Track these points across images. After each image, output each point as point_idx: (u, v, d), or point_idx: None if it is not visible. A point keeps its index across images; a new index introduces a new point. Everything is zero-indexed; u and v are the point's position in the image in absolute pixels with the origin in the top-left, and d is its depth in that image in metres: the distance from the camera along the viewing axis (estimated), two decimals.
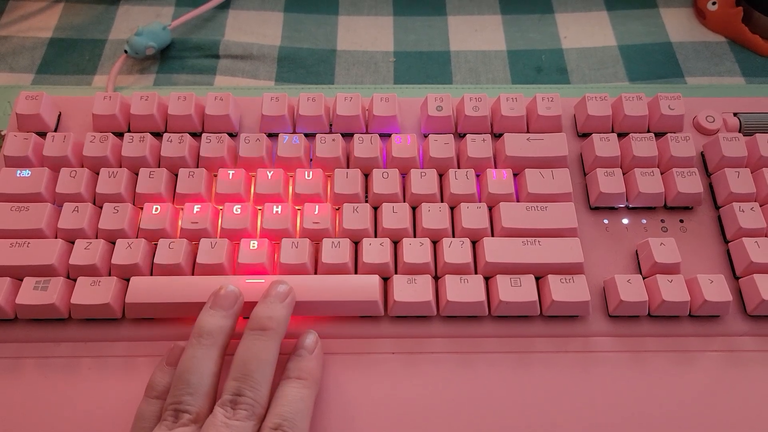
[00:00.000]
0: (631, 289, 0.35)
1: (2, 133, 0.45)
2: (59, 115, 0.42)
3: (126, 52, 0.49)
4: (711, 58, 0.52)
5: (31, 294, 0.34)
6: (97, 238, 0.37)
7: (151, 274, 0.36)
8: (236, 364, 0.31)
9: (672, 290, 0.35)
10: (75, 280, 0.35)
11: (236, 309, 0.33)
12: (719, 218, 0.39)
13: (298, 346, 0.33)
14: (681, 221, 0.39)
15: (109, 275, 0.36)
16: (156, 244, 0.36)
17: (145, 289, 0.35)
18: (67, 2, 0.55)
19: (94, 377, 0.34)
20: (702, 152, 0.41)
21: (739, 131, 0.41)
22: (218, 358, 0.31)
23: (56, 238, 0.36)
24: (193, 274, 0.36)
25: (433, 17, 0.55)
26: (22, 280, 0.35)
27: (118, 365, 0.34)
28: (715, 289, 0.35)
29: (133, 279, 0.35)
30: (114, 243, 0.36)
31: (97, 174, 0.38)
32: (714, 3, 0.53)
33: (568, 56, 0.52)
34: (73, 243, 0.36)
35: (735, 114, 0.42)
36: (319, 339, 0.34)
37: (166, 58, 0.52)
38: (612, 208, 0.39)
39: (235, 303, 0.33)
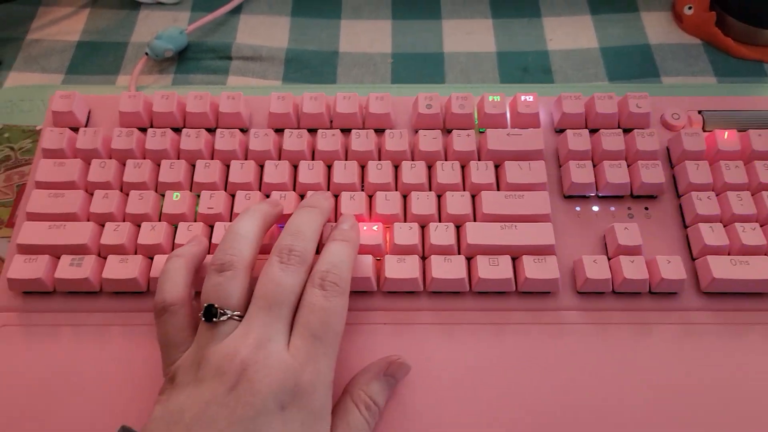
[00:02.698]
0: (596, 268, 0.40)
1: (38, 128, 0.50)
2: (89, 112, 0.46)
3: (147, 54, 0.54)
4: (686, 59, 0.56)
5: (68, 269, 0.39)
6: (124, 221, 0.41)
7: None
8: (289, 227, 0.37)
9: (633, 269, 0.39)
10: (105, 258, 0.40)
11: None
12: (680, 206, 0.43)
13: (338, 223, 0.40)
14: (646, 208, 0.43)
15: (135, 254, 0.40)
16: (176, 227, 0.41)
17: None
18: (93, 8, 0.60)
19: (122, 342, 0.39)
20: (667, 146, 0.45)
21: (702, 127, 0.45)
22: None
23: (88, 221, 0.41)
24: (209, 253, 0.40)
25: (428, 21, 0.60)
26: (59, 258, 0.40)
27: (143, 332, 0.39)
28: (672, 268, 0.39)
29: (156, 257, 0.40)
30: (139, 225, 0.41)
31: (124, 165, 0.43)
32: (690, 7, 0.57)
33: (553, 57, 0.57)
34: (103, 225, 0.41)
35: (699, 111, 0.46)
36: (354, 217, 0.40)
37: (183, 60, 0.56)
38: (584, 197, 0.43)
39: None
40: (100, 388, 0.38)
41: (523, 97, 0.45)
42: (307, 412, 0.32)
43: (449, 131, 0.45)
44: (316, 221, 0.38)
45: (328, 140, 0.43)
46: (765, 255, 0.40)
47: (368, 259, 0.40)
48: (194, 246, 0.38)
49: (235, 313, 0.33)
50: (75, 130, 0.45)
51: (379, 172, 0.43)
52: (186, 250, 0.37)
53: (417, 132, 0.44)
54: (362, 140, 0.43)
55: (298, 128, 0.45)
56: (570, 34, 0.58)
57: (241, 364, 0.31)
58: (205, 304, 0.33)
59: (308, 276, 0.35)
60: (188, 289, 0.36)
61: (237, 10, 0.60)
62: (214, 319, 0.33)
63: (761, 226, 0.41)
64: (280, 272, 0.34)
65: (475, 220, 0.42)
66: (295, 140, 0.43)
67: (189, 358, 0.33)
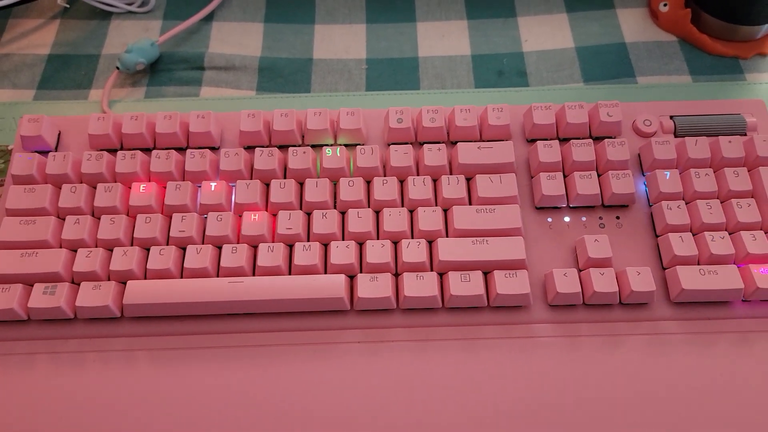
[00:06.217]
0: (566, 282, 0.40)
1: (9, 148, 0.50)
2: (59, 134, 0.46)
3: (118, 68, 0.54)
4: (662, 57, 0.56)
5: (41, 298, 0.39)
6: (96, 246, 0.41)
7: (145, 278, 0.41)
8: None
9: (603, 282, 0.40)
10: (79, 285, 0.40)
11: None
12: (651, 215, 0.43)
13: None
14: (617, 218, 0.43)
15: (108, 280, 0.40)
16: (149, 251, 0.41)
17: (140, 292, 0.39)
18: (63, 18, 0.60)
19: (98, 369, 0.39)
20: (639, 153, 0.45)
21: (674, 133, 0.45)
22: None
23: (60, 247, 0.41)
24: (181, 277, 0.41)
25: (403, 24, 0.59)
26: (32, 286, 0.40)
27: (118, 358, 0.39)
28: (642, 280, 0.40)
29: (129, 282, 0.40)
30: (111, 251, 0.41)
31: (95, 188, 0.43)
32: (665, 4, 0.57)
33: (528, 59, 0.56)
34: (75, 252, 0.41)
35: (671, 117, 0.46)
36: None
37: (155, 71, 0.56)
38: (555, 208, 0.43)
39: None
40: (77, 414, 0.38)
41: (493, 108, 0.44)
42: None
43: (421, 144, 0.45)
44: None
45: (300, 158, 0.43)
46: (733, 264, 0.40)
47: (340, 279, 0.40)
48: None
49: None
50: (45, 153, 0.45)
51: (351, 189, 0.43)
52: None
53: (389, 147, 0.44)
54: (333, 157, 0.43)
55: (270, 146, 0.45)
56: (545, 34, 0.58)
57: None
58: None
59: None
60: None
61: (209, 17, 0.59)
62: None
63: (730, 234, 0.41)
64: None
65: (447, 236, 0.42)
66: (266, 159, 0.43)
67: None
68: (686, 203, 0.42)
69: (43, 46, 0.58)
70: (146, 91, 0.55)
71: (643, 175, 0.44)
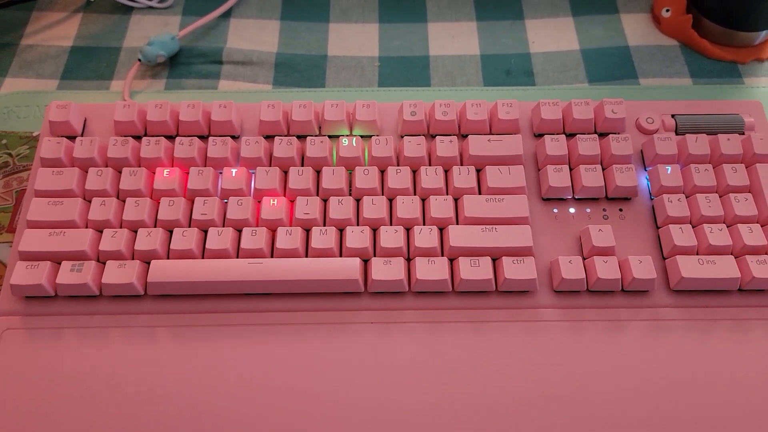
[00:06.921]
0: (571, 268, 0.42)
1: (34, 134, 0.52)
2: (85, 121, 0.48)
3: (139, 60, 0.56)
4: (663, 60, 0.58)
5: (68, 275, 0.41)
6: (121, 227, 0.43)
7: (168, 258, 0.42)
8: None
9: (606, 269, 0.42)
10: (104, 263, 0.42)
11: None
12: (653, 207, 0.45)
13: None
14: (620, 210, 0.45)
15: (133, 259, 0.42)
16: (172, 232, 0.43)
17: (163, 271, 0.41)
18: (85, 12, 0.61)
19: (122, 344, 0.41)
20: (642, 149, 0.47)
21: (675, 131, 0.47)
22: None
23: (87, 228, 0.43)
24: (203, 258, 0.42)
25: (414, 24, 0.61)
26: (60, 264, 0.42)
27: (142, 334, 0.41)
28: (643, 268, 0.42)
29: (153, 262, 0.42)
30: (136, 232, 0.43)
31: (120, 172, 0.45)
32: (667, 10, 0.59)
33: (535, 60, 0.58)
34: (101, 232, 0.43)
35: (672, 116, 0.48)
36: None
37: (175, 65, 0.58)
38: (561, 199, 0.45)
39: None
40: (102, 388, 0.40)
41: (503, 104, 0.46)
42: None
43: (434, 136, 0.47)
44: None
45: (317, 147, 0.45)
46: (731, 254, 0.42)
47: (355, 262, 0.42)
48: None
49: None
50: (71, 138, 0.46)
51: (366, 177, 0.45)
52: None
53: (402, 138, 0.46)
54: (349, 147, 0.45)
55: (288, 135, 0.47)
56: (552, 36, 0.60)
57: None
58: None
59: None
60: None
61: (227, 14, 0.61)
62: None
63: (728, 226, 0.43)
64: None
65: (457, 223, 0.44)
66: (285, 147, 0.45)
67: None
68: (686, 197, 0.44)
69: (66, 38, 0.60)
70: (166, 83, 0.57)
71: (646, 170, 0.46)
